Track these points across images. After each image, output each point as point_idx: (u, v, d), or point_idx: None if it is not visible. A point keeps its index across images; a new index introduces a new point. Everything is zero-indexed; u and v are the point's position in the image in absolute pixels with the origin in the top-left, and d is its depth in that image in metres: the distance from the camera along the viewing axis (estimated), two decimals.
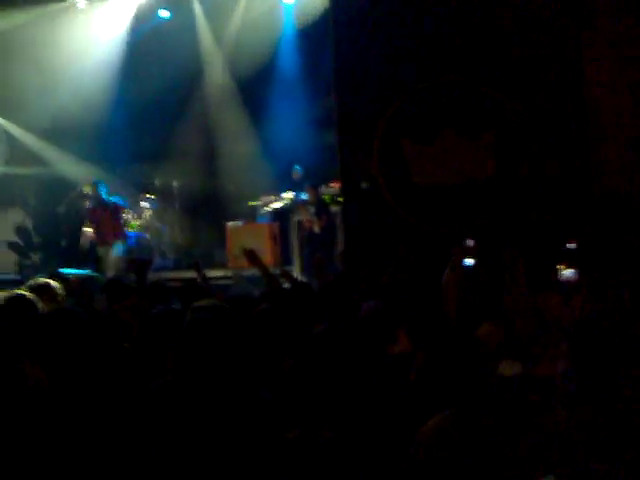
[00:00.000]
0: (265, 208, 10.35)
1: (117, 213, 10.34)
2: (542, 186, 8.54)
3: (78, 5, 11.66)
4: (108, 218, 10.18)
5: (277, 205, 10.42)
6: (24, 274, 10.37)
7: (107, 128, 11.63)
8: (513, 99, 8.58)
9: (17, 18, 11.14)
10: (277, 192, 10.58)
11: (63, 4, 11.54)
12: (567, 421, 2.96)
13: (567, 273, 5.43)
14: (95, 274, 9.91)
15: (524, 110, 8.55)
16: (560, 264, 5.55)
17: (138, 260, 7.00)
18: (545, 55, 8.52)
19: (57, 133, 11.49)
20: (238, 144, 11.07)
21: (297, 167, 10.56)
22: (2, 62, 11.40)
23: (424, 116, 8.76)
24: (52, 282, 5.01)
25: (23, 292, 4.64)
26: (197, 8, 11.65)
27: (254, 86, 11.38)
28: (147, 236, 10.85)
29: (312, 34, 10.83)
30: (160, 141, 11.36)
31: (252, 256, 5.72)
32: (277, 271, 8.02)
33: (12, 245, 11.29)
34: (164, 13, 11.83)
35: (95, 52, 11.76)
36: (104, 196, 10.28)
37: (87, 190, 10.39)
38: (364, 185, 8.79)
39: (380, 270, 6.90)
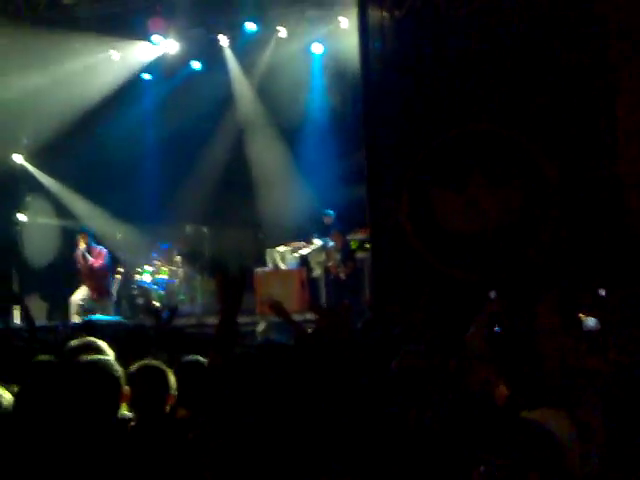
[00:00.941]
0: (294, 254, 10.39)
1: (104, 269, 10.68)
2: (572, 233, 8.52)
3: (112, 57, 11.93)
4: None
5: (305, 251, 10.45)
6: None
7: (138, 177, 11.82)
8: (542, 147, 8.60)
9: (54, 72, 11.41)
10: (307, 238, 10.63)
11: (100, 56, 11.82)
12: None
13: (590, 322, 5.36)
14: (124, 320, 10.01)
15: (554, 158, 8.58)
16: (583, 312, 5.49)
17: (155, 308, 7.05)
18: (576, 104, 8.55)
19: (88, 186, 11.67)
20: (269, 191, 11.16)
21: (329, 212, 10.61)
22: (36, 111, 11.63)
23: (452, 164, 8.81)
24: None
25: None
26: (229, 58, 11.84)
27: (286, 136, 11.52)
28: (176, 282, 10.93)
29: (340, 83, 11.00)
30: (191, 188, 11.49)
31: (277, 308, 5.71)
32: (305, 317, 8.03)
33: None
34: (196, 65, 12.06)
35: (127, 105, 12.02)
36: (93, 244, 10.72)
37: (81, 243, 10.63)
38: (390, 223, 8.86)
39: (409, 316, 6.87)
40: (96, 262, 10.61)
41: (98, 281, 10.66)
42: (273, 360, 3.50)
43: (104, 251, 10.80)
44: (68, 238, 11.28)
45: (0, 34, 10.88)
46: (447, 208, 8.88)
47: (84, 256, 10.55)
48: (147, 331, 6.11)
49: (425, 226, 8.88)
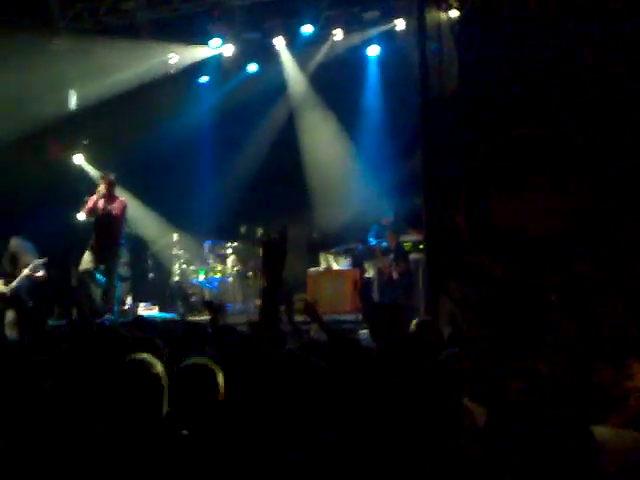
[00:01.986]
0: (346, 255, 10.38)
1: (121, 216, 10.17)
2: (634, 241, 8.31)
3: (171, 61, 12.11)
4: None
5: (355, 248, 10.45)
6: None
7: (194, 179, 11.96)
8: (604, 149, 8.41)
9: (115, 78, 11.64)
10: (363, 238, 10.60)
11: (159, 60, 12.01)
12: None
13: None
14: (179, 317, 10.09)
15: (616, 161, 8.39)
16: None
17: (214, 304, 7.10)
18: None
19: (144, 188, 11.82)
20: (325, 192, 11.18)
21: (389, 213, 10.57)
22: (96, 114, 11.87)
23: (512, 165, 8.67)
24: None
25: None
26: (285, 60, 11.91)
27: (343, 138, 11.54)
28: (229, 280, 11.02)
29: (398, 84, 10.95)
30: (246, 189, 11.58)
31: (309, 309, 5.70)
32: (357, 317, 7.99)
33: None
34: (252, 67, 12.15)
35: (185, 107, 12.19)
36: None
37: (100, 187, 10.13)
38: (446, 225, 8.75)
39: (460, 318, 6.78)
40: (116, 209, 10.08)
41: (113, 229, 10.09)
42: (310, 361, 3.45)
43: (125, 202, 10.34)
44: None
45: (62, 41, 11.18)
46: (505, 210, 8.73)
47: (104, 200, 10.02)
48: (203, 328, 6.18)
49: (481, 227, 8.74)
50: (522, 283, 8.35)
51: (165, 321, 9.88)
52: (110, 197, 10.18)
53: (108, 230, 10.06)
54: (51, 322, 9.23)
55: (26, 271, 9.96)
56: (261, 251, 3.25)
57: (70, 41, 11.24)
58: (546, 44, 8.64)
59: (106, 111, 11.80)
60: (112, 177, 10.32)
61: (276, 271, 3.20)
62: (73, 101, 11.92)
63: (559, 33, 8.70)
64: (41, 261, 10.05)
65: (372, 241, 10.38)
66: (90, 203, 10.17)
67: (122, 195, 10.51)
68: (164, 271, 11.68)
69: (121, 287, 10.42)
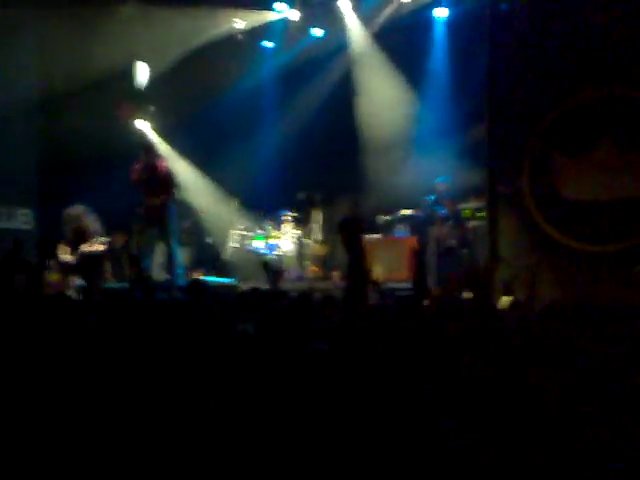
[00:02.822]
0: (401, 214, 10.17)
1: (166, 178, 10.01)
2: None
3: (236, 25, 12.02)
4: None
5: (412, 213, 10.19)
6: None
7: (254, 145, 11.89)
8: None
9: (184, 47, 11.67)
10: (418, 205, 10.33)
11: (225, 26, 11.93)
12: None
13: None
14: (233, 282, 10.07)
15: None
16: None
17: (271, 266, 7.01)
18: None
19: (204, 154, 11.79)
20: (382, 158, 10.93)
21: (443, 179, 10.26)
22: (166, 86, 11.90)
23: (580, 129, 8.35)
24: None
25: None
26: (350, 23, 11.64)
27: (404, 102, 11.24)
28: (287, 247, 10.92)
29: (465, 48, 10.57)
30: (306, 156, 11.42)
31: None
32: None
33: None
34: (317, 32, 11.92)
35: (249, 72, 12.11)
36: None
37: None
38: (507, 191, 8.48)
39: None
40: (159, 173, 9.95)
41: (160, 191, 9.90)
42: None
43: (166, 164, 10.19)
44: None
45: (127, 9, 11.23)
46: (570, 176, 8.41)
47: (146, 167, 9.92)
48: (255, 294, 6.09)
49: (546, 194, 8.44)
50: (583, 250, 8.02)
51: (221, 286, 9.88)
52: (151, 163, 10.09)
53: (155, 193, 9.98)
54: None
55: (86, 246, 9.93)
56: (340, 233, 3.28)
57: (135, 9, 11.25)
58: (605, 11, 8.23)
59: (172, 79, 11.80)
60: (148, 142, 10.41)
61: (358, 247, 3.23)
62: (140, 73, 11.93)
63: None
64: (102, 239, 10.08)
65: (431, 208, 10.10)
66: (133, 175, 10.14)
67: (182, 164, 10.54)
68: (222, 237, 11.65)
69: (180, 251, 10.41)
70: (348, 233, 3.14)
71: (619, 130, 8.18)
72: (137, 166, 10.11)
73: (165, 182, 10.02)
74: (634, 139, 8.10)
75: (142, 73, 11.83)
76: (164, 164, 10.22)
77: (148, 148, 10.33)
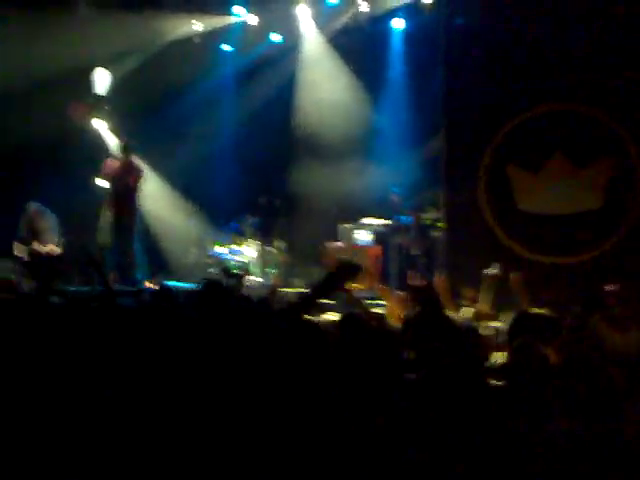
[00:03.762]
0: (366, 230, 10.37)
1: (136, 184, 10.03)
2: None
3: (194, 27, 12.01)
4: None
5: (377, 223, 10.41)
6: None
7: (215, 150, 11.93)
8: (628, 126, 8.30)
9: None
10: (377, 216, 10.55)
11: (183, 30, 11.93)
12: None
13: None
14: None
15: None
16: None
17: (231, 272, 7.08)
18: None
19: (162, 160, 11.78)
20: (342, 166, 11.09)
21: (395, 189, 10.52)
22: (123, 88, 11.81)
23: (533, 142, 8.61)
24: None
25: None
26: (308, 30, 11.74)
27: (364, 112, 11.42)
28: (249, 252, 10.99)
29: (421, 60, 10.82)
30: (268, 161, 11.53)
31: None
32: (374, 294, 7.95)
33: None
34: (275, 37, 12.01)
35: (208, 75, 12.13)
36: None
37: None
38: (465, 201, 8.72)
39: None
40: (132, 177, 10.06)
41: (128, 197, 10.03)
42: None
43: (141, 170, 10.25)
44: None
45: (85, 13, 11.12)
46: (525, 189, 8.70)
47: (121, 166, 9.98)
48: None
49: (502, 206, 8.72)
50: (539, 262, 8.34)
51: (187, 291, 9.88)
52: (127, 163, 10.13)
53: (123, 198, 10.03)
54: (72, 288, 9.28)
55: (53, 248, 9.87)
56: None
57: (91, 13, 11.15)
58: (570, 17, 8.52)
59: (129, 81, 11.77)
60: (128, 141, 10.32)
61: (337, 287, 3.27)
62: (100, 79, 11.83)
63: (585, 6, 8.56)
64: (62, 241, 10.04)
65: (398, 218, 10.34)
66: (107, 167, 10.15)
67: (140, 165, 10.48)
68: (183, 243, 11.67)
69: (145, 259, 10.44)
70: (341, 277, 3.13)
71: (572, 144, 8.46)
72: (112, 162, 10.11)
73: (133, 188, 10.04)
74: (587, 154, 8.40)
75: (102, 79, 11.74)
76: (137, 168, 10.23)
77: (127, 146, 10.28)
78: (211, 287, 4.61)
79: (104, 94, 11.80)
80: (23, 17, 10.73)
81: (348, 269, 3.32)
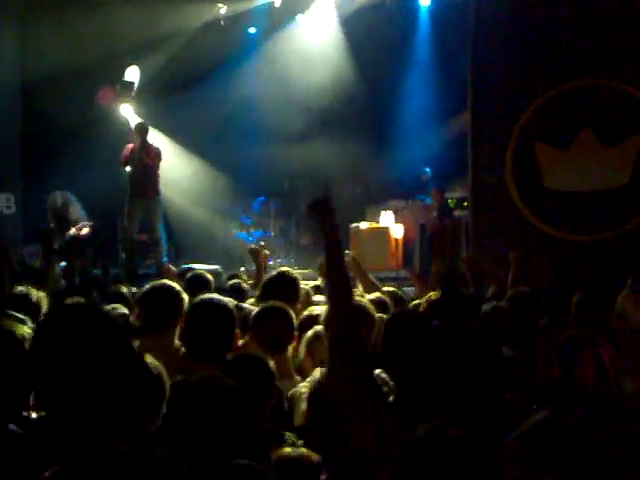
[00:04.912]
0: (390, 211, 10.24)
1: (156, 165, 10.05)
2: None
3: (220, 11, 11.97)
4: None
5: (402, 204, 10.29)
6: None
7: (239, 131, 11.90)
8: None
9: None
10: (405, 195, 10.43)
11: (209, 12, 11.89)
12: None
13: None
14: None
15: None
16: None
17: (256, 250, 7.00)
18: None
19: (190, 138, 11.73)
20: (367, 147, 10.98)
21: (427, 169, 10.39)
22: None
23: (562, 119, 8.43)
24: None
25: None
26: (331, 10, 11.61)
27: (386, 91, 11.28)
28: (271, 235, 10.98)
29: (448, 37, 10.63)
30: (290, 143, 11.45)
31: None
32: (398, 274, 7.87)
33: None
34: (301, 18, 11.88)
35: (234, 58, 12.08)
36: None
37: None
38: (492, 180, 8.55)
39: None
40: (151, 159, 9.99)
41: (150, 179, 10.00)
42: None
43: (159, 150, 10.20)
44: None
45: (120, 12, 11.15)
46: (552, 166, 8.51)
47: (139, 149, 9.94)
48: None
49: (528, 183, 8.55)
50: (563, 240, 8.17)
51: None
52: (144, 146, 10.13)
53: (145, 180, 10.05)
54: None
55: (73, 230, 10.03)
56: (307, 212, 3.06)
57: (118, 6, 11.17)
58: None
59: (156, 66, 11.80)
60: (144, 124, 10.31)
61: (331, 229, 3.00)
62: (130, 73, 11.87)
63: None
64: (88, 224, 10.13)
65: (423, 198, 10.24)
66: (125, 151, 10.18)
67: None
68: (208, 225, 11.69)
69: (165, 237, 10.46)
70: (321, 216, 2.90)
71: (600, 122, 8.28)
72: (131, 145, 10.15)
73: (154, 170, 10.07)
74: (614, 131, 8.21)
75: (132, 73, 11.76)
76: (155, 149, 10.25)
77: (142, 127, 10.29)
78: None
79: (133, 81, 11.80)
80: (55, 8, 10.78)
81: (317, 204, 3.09)
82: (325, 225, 2.90)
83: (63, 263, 8.64)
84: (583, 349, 3.29)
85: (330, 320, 2.96)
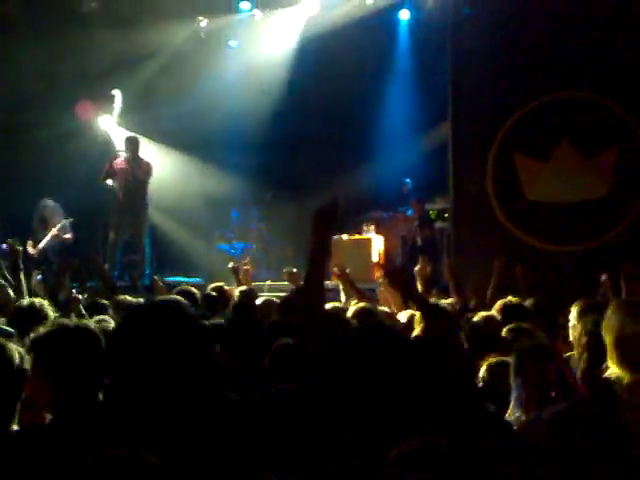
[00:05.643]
0: (370, 223, 10.26)
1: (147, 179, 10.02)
2: None
3: (201, 24, 11.97)
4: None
5: (383, 216, 10.32)
6: None
7: (221, 144, 11.88)
8: (636, 113, 8.17)
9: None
10: (386, 207, 10.47)
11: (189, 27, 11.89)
12: None
13: None
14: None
15: None
16: None
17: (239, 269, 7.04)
18: None
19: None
20: (347, 159, 11.00)
21: (407, 180, 10.45)
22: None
23: (541, 131, 8.53)
24: None
25: None
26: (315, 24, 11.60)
27: (366, 103, 11.32)
28: (253, 247, 10.96)
29: (427, 50, 10.71)
30: (276, 154, 11.46)
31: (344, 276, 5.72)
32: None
33: None
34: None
35: (214, 71, 12.07)
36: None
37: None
38: (473, 190, 8.60)
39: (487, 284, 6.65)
40: (142, 173, 10.02)
41: (139, 192, 10.01)
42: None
43: (151, 165, 10.15)
44: None
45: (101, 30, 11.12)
46: (532, 177, 8.61)
47: (129, 162, 9.92)
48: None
49: (509, 194, 8.63)
50: (546, 250, 8.23)
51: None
52: (135, 159, 10.09)
53: (134, 193, 10.01)
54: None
55: (54, 231, 10.07)
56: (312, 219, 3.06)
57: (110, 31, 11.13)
58: (578, 6, 8.41)
59: (138, 79, 11.77)
60: (135, 137, 10.26)
61: (324, 238, 3.03)
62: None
63: None
64: (68, 221, 10.14)
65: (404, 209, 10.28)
66: (114, 164, 10.13)
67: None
68: (189, 237, 11.63)
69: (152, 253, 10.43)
70: (324, 224, 2.89)
71: (578, 134, 8.38)
72: (119, 159, 10.12)
73: (144, 183, 10.05)
74: (593, 144, 8.31)
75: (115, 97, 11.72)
76: (146, 163, 10.23)
77: (133, 141, 10.25)
78: None
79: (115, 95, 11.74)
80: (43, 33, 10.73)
81: (325, 211, 3.10)
82: (323, 230, 2.95)
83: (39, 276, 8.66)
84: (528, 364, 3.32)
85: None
